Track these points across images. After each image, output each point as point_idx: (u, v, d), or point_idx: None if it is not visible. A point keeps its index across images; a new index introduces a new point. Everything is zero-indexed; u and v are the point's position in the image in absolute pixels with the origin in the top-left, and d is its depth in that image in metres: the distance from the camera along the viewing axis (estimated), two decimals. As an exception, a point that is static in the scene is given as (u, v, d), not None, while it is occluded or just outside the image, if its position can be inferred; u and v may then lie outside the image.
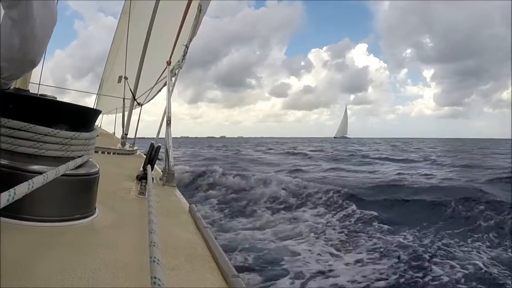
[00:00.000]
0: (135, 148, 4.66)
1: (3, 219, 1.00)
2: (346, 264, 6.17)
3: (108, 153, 3.89)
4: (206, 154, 32.53)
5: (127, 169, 2.86)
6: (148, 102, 5.87)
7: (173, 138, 2.56)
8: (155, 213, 1.05)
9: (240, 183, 13.68)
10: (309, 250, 6.81)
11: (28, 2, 0.94)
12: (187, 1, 3.47)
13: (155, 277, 0.62)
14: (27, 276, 0.77)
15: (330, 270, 5.89)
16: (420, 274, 5.71)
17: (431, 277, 5.62)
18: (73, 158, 1.14)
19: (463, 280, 5.52)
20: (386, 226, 8.22)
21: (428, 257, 6.31)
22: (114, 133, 7.36)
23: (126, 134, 4.93)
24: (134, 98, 5.07)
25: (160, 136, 3.32)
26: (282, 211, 10.12)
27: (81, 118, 1.21)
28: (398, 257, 6.31)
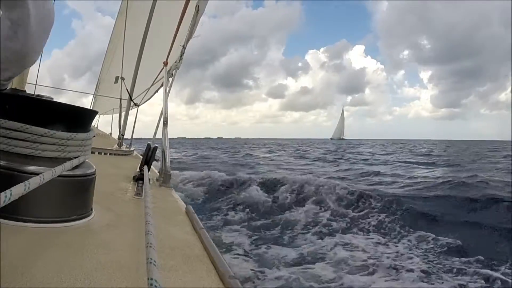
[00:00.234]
0: (132, 148, 4.65)
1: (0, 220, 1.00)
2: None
3: (104, 153, 3.88)
4: (212, 157, 30.03)
5: (124, 169, 2.85)
6: (145, 102, 5.87)
7: (170, 138, 2.55)
8: (152, 214, 1.05)
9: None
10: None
11: (25, 1, 0.94)
12: (184, 1, 3.46)
13: (151, 278, 0.62)
14: (23, 278, 0.77)
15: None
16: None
17: None
18: (69, 159, 1.14)
19: None
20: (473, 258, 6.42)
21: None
22: (110, 133, 7.35)
23: (123, 135, 4.92)
24: (131, 99, 5.06)
25: (156, 137, 3.32)
26: (333, 233, 8.19)
27: (77, 119, 1.21)
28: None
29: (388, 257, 6.54)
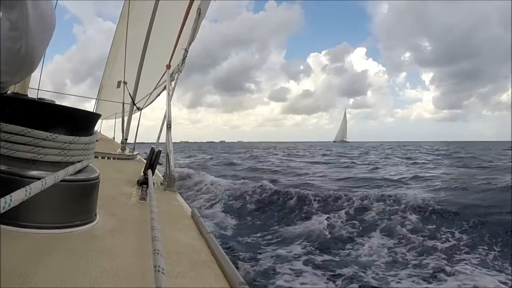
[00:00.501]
0: (135, 153, 4.63)
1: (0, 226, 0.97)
2: None
3: (108, 158, 3.86)
4: (237, 163, 27.17)
5: (127, 174, 2.83)
6: (147, 106, 5.85)
7: (173, 143, 2.53)
8: (158, 219, 1.02)
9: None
10: None
11: (24, 2, 0.92)
12: (187, 5, 3.45)
13: (160, 287, 0.59)
14: (26, 284, 0.74)
15: None
16: None
17: None
18: (72, 163, 1.11)
19: None
20: None
21: None
22: (113, 138, 7.34)
23: (126, 139, 4.90)
24: (133, 103, 5.04)
25: (160, 141, 3.29)
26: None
27: (80, 122, 1.18)
28: None
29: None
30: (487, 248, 7.03)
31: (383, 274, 5.89)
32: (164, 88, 4.08)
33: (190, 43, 3.29)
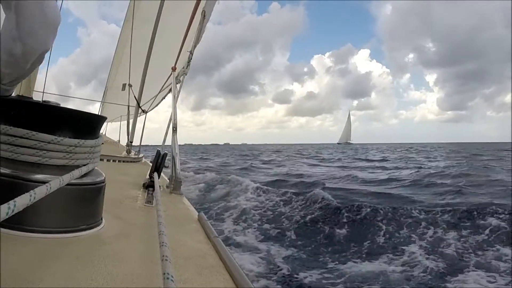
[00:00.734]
0: (141, 155, 4.62)
1: (4, 230, 0.96)
2: None
3: (113, 160, 3.85)
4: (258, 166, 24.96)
5: (133, 177, 2.81)
6: (153, 109, 5.85)
7: (178, 145, 2.52)
8: (165, 224, 1.00)
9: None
10: None
11: (27, 1, 0.90)
12: (193, 7, 3.44)
13: None
14: None
15: None
16: None
17: None
18: (77, 166, 1.09)
19: None
20: None
21: None
22: (119, 140, 7.35)
23: (131, 142, 4.90)
24: (138, 105, 5.04)
25: (166, 144, 3.28)
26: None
27: (85, 125, 1.16)
28: None
29: None
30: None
31: None
32: (170, 91, 4.07)
33: (195, 46, 3.28)
